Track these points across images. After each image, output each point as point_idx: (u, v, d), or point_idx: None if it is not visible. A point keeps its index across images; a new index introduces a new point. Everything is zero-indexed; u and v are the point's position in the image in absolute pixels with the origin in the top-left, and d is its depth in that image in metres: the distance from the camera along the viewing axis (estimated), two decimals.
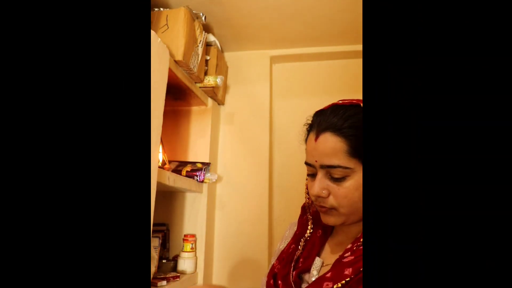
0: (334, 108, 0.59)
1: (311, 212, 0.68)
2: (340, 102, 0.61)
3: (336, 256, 0.59)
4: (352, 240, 0.60)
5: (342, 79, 1.50)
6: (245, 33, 1.38)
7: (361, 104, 0.58)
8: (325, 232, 0.66)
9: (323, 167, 0.57)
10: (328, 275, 0.54)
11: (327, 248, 0.65)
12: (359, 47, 1.43)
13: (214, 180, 1.29)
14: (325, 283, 0.53)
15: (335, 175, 0.56)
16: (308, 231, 0.66)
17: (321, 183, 0.57)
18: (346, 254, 0.56)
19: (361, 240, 0.57)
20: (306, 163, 0.60)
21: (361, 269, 0.52)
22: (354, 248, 0.57)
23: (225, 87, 1.49)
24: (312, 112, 0.64)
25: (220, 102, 1.47)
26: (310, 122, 0.63)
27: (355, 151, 0.55)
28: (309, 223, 0.67)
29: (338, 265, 0.55)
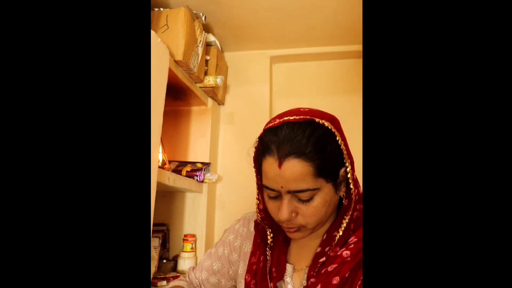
0: (290, 127, 0.55)
1: (266, 223, 0.67)
2: (292, 118, 0.56)
3: (305, 260, 0.62)
4: (319, 242, 0.62)
5: (342, 79, 1.50)
6: (245, 33, 1.38)
7: (316, 119, 0.55)
8: (286, 235, 0.65)
9: (290, 192, 0.55)
10: (318, 287, 0.55)
11: (293, 252, 0.66)
12: (359, 47, 1.43)
13: (214, 180, 1.29)
14: None
15: (303, 197, 0.55)
16: (269, 239, 0.66)
17: (289, 207, 0.55)
18: (321, 260, 0.58)
19: (332, 243, 0.59)
20: (268, 188, 0.56)
21: (346, 275, 0.55)
22: (330, 254, 0.58)
23: (225, 87, 1.49)
24: None
25: (220, 102, 1.47)
26: (262, 140, 0.58)
27: (320, 172, 0.54)
28: (268, 231, 0.66)
29: (325, 276, 0.56)
